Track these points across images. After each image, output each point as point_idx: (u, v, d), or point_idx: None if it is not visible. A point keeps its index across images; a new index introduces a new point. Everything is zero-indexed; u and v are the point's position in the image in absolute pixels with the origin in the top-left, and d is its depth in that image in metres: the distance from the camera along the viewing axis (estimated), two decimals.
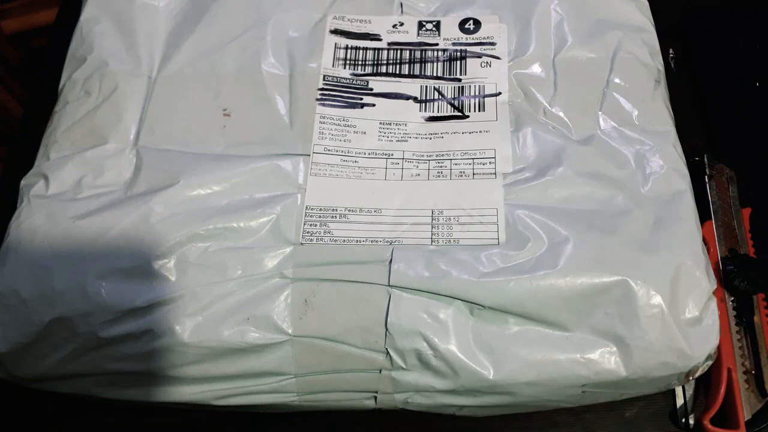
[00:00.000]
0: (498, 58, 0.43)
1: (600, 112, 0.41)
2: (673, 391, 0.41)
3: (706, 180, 0.46)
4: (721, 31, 0.54)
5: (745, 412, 0.39)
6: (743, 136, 0.50)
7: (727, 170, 0.46)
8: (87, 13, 0.44)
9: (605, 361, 0.35)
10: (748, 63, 0.53)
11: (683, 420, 0.40)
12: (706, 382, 0.41)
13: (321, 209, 0.38)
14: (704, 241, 0.38)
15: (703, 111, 0.51)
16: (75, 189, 0.38)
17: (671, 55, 0.52)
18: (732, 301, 0.42)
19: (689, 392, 0.41)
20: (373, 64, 0.43)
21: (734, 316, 0.41)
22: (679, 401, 0.41)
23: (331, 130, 0.40)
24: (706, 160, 0.46)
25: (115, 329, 0.34)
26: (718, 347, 0.36)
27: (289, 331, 0.34)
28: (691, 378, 0.37)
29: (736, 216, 0.45)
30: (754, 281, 0.41)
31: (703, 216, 0.43)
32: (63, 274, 0.35)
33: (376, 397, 0.37)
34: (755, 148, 0.49)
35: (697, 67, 0.53)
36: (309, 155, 0.39)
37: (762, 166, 0.48)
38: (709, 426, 0.39)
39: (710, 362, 0.36)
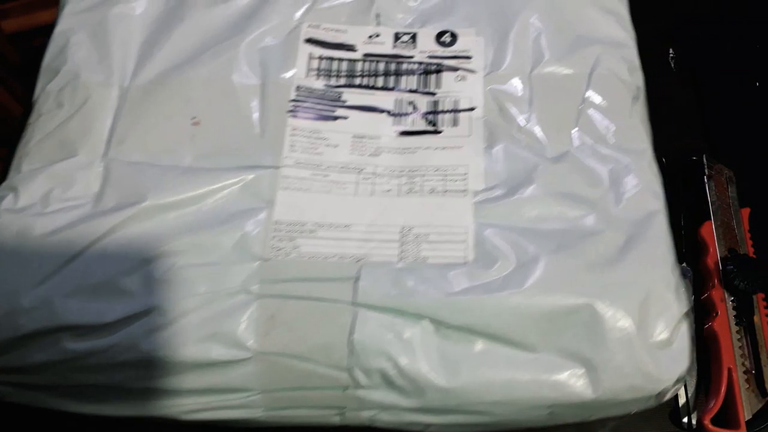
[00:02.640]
0: (473, 71, 0.42)
1: (575, 129, 0.40)
2: None
3: (705, 180, 0.45)
4: (720, 32, 0.54)
5: (745, 412, 0.39)
6: (743, 136, 0.50)
7: (727, 170, 0.46)
8: (63, 25, 0.44)
9: (572, 383, 0.34)
10: (747, 63, 0.53)
11: (684, 420, 0.40)
12: (707, 382, 0.40)
13: (289, 224, 0.38)
14: (704, 241, 0.37)
15: (703, 111, 0.51)
16: (43, 202, 0.38)
17: (671, 55, 0.52)
18: (732, 301, 0.42)
19: (690, 392, 0.40)
20: (347, 76, 0.43)
21: (734, 316, 0.41)
22: (680, 401, 0.40)
23: (303, 142, 0.40)
24: (705, 160, 0.46)
25: (82, 344, 0.34)
26: (719, 347, 0.36)
27: (254, 348, 0.34)
28: (662, 400, 0.36)
29: (736, 216, 0.45)
30: (754, 281, 0.41)
31: (703, 216, 0.43)
32: (30, 293, 0.35)
33: (343, 414, 0.36)
34: (755, 148, 0.49)
35: (697, 67, 0.52)
36: (279, 168, 0.39)
37: (762, 166, 0.48)
38: (710, 426, 0.39)
39: (680, 386, 0.36)
